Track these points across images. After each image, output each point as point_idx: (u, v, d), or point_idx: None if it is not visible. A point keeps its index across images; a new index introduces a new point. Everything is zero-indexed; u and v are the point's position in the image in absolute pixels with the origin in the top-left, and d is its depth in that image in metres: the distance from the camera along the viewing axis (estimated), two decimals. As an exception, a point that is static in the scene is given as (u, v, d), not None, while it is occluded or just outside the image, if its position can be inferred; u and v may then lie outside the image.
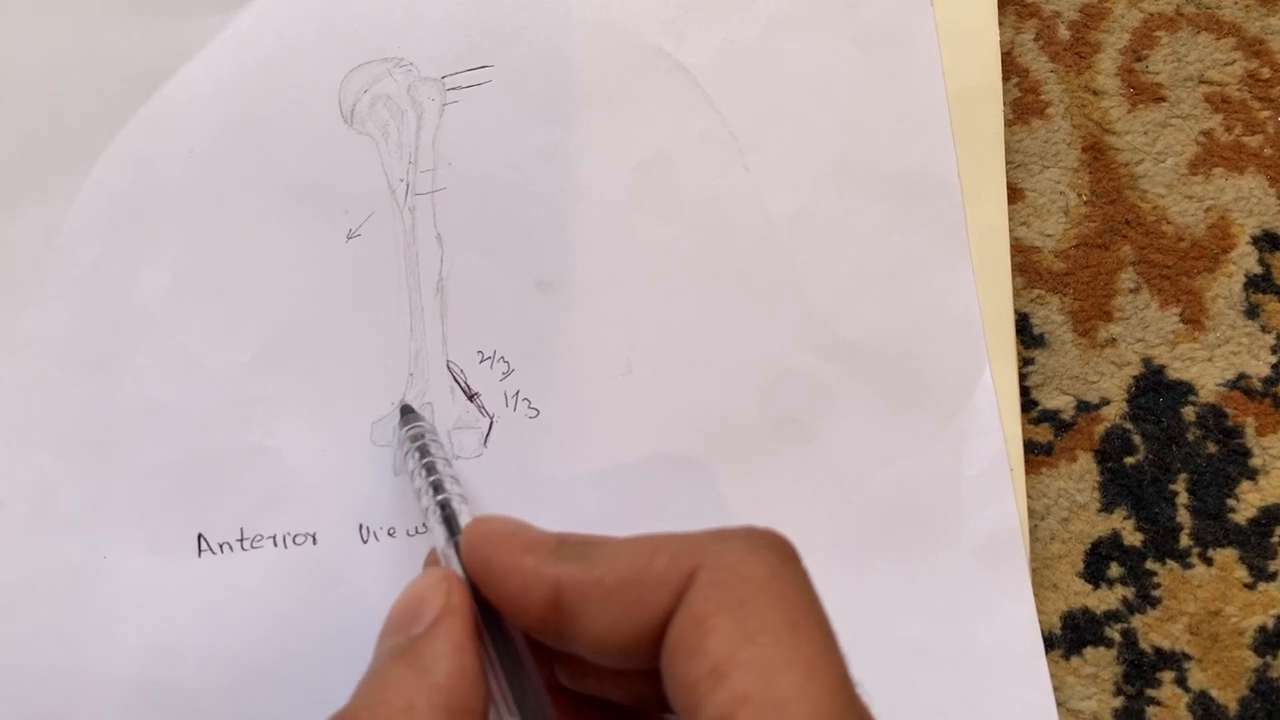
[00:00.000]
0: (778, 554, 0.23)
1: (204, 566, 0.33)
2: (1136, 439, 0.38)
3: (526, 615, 0.24)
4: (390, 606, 0.25)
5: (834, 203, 0.36)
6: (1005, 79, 0.38)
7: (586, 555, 0.24)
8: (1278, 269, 0.38)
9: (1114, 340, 0.38)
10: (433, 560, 0.29)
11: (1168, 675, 0.36)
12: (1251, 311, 0.38)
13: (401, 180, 0.35)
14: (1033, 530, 0.37)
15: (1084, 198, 0.38)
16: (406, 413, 0.34)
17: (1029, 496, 0.37)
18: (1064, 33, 0.39)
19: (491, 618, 0.25)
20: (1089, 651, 0.37)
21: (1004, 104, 0.38)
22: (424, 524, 0.29)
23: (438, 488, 0.29)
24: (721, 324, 0.36)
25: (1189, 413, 0.38)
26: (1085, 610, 0.37)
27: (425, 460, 0.31)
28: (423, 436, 0.32)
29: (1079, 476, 0.37)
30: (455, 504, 0.28)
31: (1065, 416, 0.38)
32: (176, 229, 0.34)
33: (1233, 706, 0.36)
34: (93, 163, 0.34)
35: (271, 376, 0.34)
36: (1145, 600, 0.37)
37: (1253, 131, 0.39)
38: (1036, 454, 0.37)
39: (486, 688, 0.24)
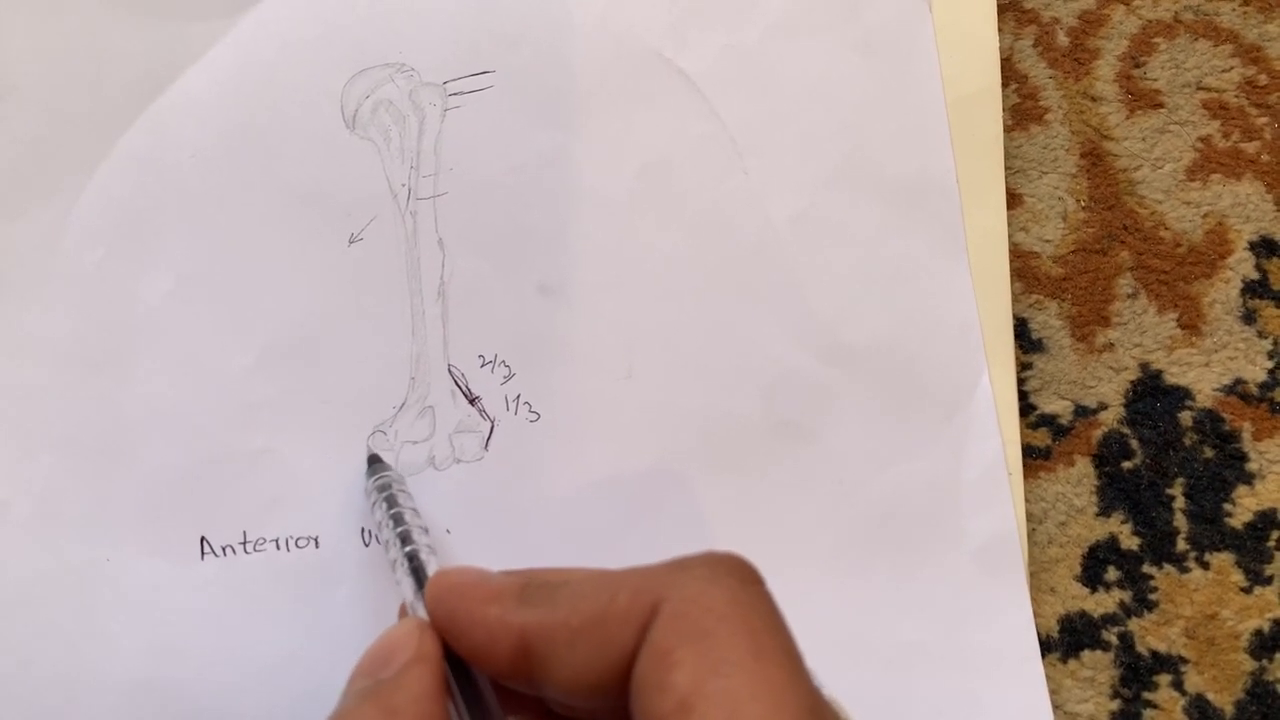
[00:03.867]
0: (739, 579, 0.22)
1: (206, 569, 0.34)
2: (1134, 444, 0.38)
3: (495, 664, 0.24)
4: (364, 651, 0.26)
5: (834, 207, 0.36)
6: (1004, 85, 0.39)
7: (551, 598, 0.24)
8: (1275, 275, 0.38)
9: (1112, 345, 0.38)
10: (404, 613, 0.28)
11: (1164, 678, 0.37)
12: (1248, 317, 0.38)
13: (403, 185, 0.35)
14: (1030, 534, 0.37)
15: (1082, 203, 0.39)
16: (374, 462, 0.34)
17: (1027, 500, 0.37)
18: (1063, 39, 0.39)
19: (461, 669, 0.25)
20: (1086, 655, 0.37)
21: (1003, 110, 0.38)
22: (393, 576, 0.29)
23: (405, 539, 0.29)
24: (721, 327, 0.36)
25: (1186, 418, 0.38)
26: (1082, 614, 0.37)
27: (393, 511, 0.31)
28: (390, 487, 0.32)
29: (1076, 481, 0.38)
30: (423, 555, 0.28)
31: (1063, 421, 0.38)
32: (179, 233, 0.35)
33: (1229, 710, 0.36)
34: (96, 166, 0.34)
35: (274, 380, 0.34)
36: (1142, 604, 0.37)
37: (1250, 138, 0.39)
38: (1034, 458, 0.38)
39: None
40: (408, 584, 0.28)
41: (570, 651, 0.23)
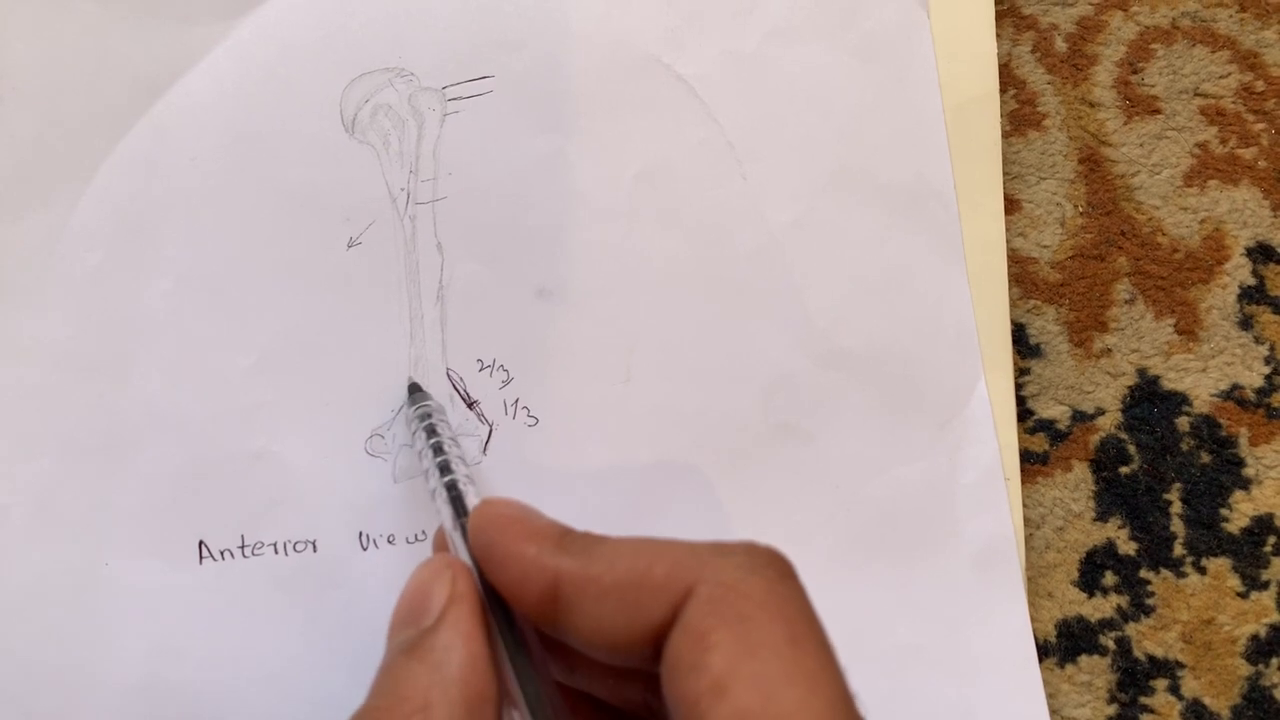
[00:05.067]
0: (777, 571, 0.23)
1: (205, 573, 0.34)
2: (1131, 449, 0.38)
3: (523, 602, 0.24)
4: (398, 596, 0.26)
5: (831, 212, 0.37)
6: (1002, 91, 0.39)
7: (588, 551, 0.24)
8: (1271, 281, 0.39)
9: (1109, 351, 0.38)
10: (439, 540, 0.29)
11: (1161, 683, 0.37)
12: (1245, 323, 0.38)
13: (402, 189, 0.35)
14: (1028, 539, 0.37)
15: (1080, 209, 0.39)
16: (414, 391, 0.34)
17: (1025, 505, 0.37)
18: (1061, 45, 0.39)
19: (496, 600, 0.25)
20: (1083, 659, 0.37)
21: (1001, 115, 0.38)
22: (432, 504, 0.29)
23: (445, 468, 0.30)
24: (720, 331, 0.36)
25: (1183, 423, 0.38)
26: (1080, 618, 0.37)
27: (433, 440, 0.31)
28: (430, 415, 0.32)
29: (1074, 486, 0.38)
30: (462, 484, 0.29)
31: (1061, 426, 0.38)
32: (179, 236, 0.35)
33: (1225, 714, 0.36)
34: (95, 169, 0.35)
35: (272, 383, 0.34)
36: (1139, 609, 0.37)
37: (1247, 144, 0.39)
38: (1032, 463, 0.38)
39: (499, 673, 0.24)
40: (446, 512, 0.28)
41: (598, 607, 0.23)
